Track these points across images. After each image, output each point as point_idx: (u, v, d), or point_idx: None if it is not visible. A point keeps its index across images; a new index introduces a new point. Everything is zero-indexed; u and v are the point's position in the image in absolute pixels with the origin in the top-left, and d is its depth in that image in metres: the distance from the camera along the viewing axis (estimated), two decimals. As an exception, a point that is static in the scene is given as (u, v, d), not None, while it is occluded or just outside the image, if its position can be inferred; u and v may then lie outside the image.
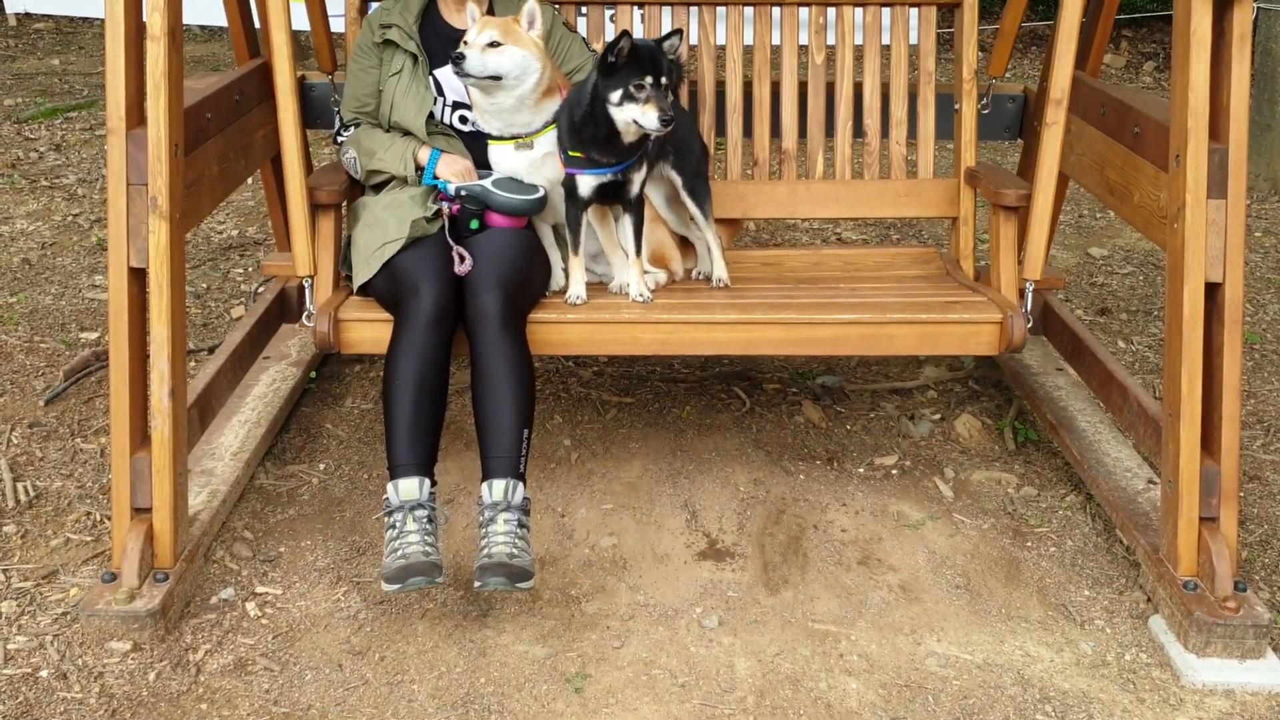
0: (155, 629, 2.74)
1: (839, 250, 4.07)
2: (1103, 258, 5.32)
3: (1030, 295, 3.29)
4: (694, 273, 3.55)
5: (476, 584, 2.72)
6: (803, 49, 3.74)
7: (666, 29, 3.65)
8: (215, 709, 2.57)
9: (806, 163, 3.76)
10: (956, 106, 3.72)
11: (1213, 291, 2.78)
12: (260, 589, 2.96)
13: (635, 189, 3.16)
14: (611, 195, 3.17)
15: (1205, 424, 2.81)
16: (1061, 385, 3.76)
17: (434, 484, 2.85)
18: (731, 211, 3.74)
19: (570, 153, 3.10)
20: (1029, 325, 3.23)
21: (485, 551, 2.74)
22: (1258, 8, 5.94)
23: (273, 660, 2.71)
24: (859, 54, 3.74)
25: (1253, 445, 3.72)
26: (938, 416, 3.86)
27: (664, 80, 2.91)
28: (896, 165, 3.75)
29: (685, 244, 3.58)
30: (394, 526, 2.76)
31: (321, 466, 3.54)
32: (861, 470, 3.56)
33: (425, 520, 2.76)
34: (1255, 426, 3.83)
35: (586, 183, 3.11)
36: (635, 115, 2.93)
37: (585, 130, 3.03)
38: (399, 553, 2.72)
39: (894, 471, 3.56)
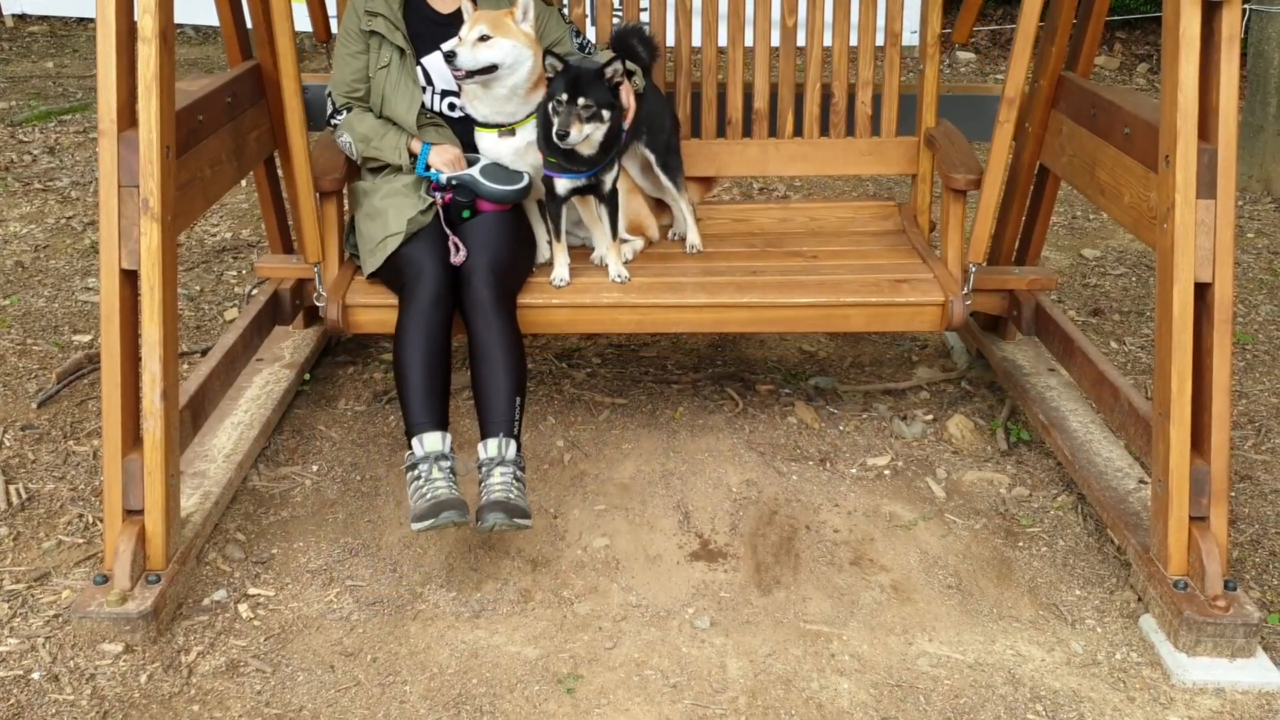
0: (147, 631, 2.74)
1: (805, 205, 4.28)
2: (1095, 259, 5.33)
3: (973, 276, 3.53)
4: (670, 233, 3.88)
5: (478, 525, 2.89)
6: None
7: (644, 2, 3.96)
8: (207, 710, 2.57)
9: (778, 121, 3.96)
10: (921, 68, 3.93)
11: (1202, 292, 2.79)
12: (253, 591, 2.96)
13: (608, 186, 3.45)
14: (588, 191, 3.45)
15: (1195, 424, 2.81)
16: (1053, 386, 3.77)
17: (452, 439, 3.04)
18: (705, 170, 4.01)
19: (547, 159, 3.37)
20: (969, 304, 3.50)
21: (484, 498, 2.93)
22: (1249, 10, 5.95)
23: (265, 662, 2.72)
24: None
25: (1244, 445, 3.73)
26: (930, 417, 3.87)
27: (580, 99, 3.20)
28: (861, 124, 3.98)
29: (661, 205, 3.89)
30: (420, 476, 2.95)
31: (314, 468, 3.54)
32: (854, 471, 3.56)
33: (449, 469, 2.97)
34: (1247, 426, 3.84)
35: (562, 184, 3.40)
36: (554, 125, 3.22)
37: (551, 141, 3.28)
38: (428, 496, 2.90)
39: (886, 472, 3.56)
